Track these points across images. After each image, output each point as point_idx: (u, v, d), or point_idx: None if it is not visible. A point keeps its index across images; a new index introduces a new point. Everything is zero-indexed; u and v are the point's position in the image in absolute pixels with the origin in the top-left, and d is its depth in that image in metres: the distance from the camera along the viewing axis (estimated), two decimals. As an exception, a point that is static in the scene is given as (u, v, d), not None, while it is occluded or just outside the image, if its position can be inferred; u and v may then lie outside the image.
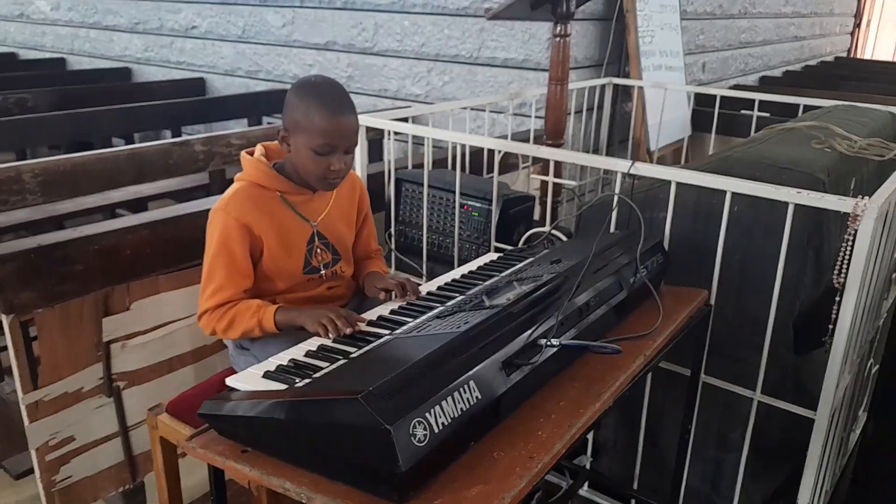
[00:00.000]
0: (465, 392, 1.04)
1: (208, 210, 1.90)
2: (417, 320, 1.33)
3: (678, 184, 1.67)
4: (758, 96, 3.24)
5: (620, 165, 1.73)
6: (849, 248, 1.42)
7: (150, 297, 1.83)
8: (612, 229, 1.80)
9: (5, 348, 2.54)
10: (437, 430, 0.97)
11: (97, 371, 1.79)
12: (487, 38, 3.41)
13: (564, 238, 1.89)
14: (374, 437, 0.92)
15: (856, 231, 1.38)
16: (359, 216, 1.67)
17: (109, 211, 3.30)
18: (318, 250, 1.55)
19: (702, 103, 3.75)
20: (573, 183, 2.17)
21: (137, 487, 1.93)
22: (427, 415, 0.97)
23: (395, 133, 2.20)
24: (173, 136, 4.16)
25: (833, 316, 1.50)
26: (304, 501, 1.00)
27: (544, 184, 2.46)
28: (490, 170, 2.69)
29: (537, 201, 2.41)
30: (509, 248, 1.96)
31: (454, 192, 2.14)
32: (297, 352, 1.26)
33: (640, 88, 3.44)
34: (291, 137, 1.44)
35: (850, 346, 1.55)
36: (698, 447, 1.83)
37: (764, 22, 5.43)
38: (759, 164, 1.76)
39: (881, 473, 2.33)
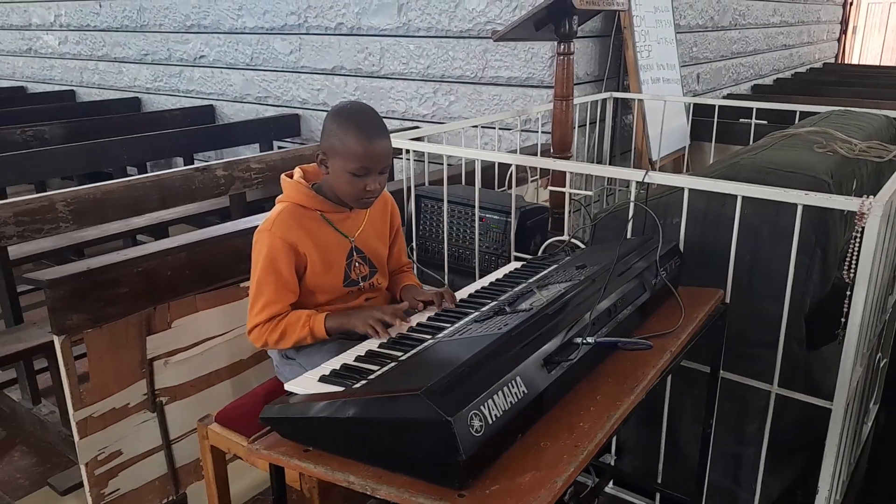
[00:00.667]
0: (512, 387, 1.12)
1: (240, 232, 2.01)
2: (456, 325, 1.41)
3: (689, 190, 1.77)
4: (755, 105, 3.36)
5: (635, 175, 1.82)
6: (857, 245, 1.51)
7: (188, 316, 1.92)
8: (627, 236, 1.89)
9: (41, 371, 2.63)
10: (490, 422, 1.05)
11: (141, 387, 1.87)
12: (491, 58, 3.53)
13: (582, 246, 1.98)
14: (436, 429, 1.00)
15: (863, 228, 1.47)
16: (391, 231, 1.77)
17: (131, 237, 3.39)
18: (357, 264, 1.64)
19: (699, 113, 3.87)
20: (590, 193, 2.26)
21: (180, 499, 2.00)
22: (482, 408, 1.05)
23: (412, 151, 2.29)
24: (185, 164, 4.26)
25: (844, 310, 1.59)
26: (368, 493, 1.08)
27: (554, 195, 2.56)
28: (501, 184, 2.80)
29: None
30: (529, 257, 2.05)
31: (472, 206, 2.23)
32: (348, 357, 1.35)
33: (640, 101, 3.56)
34: (329, 161, 1.54)
35: (861, 339, 1.64)
36: (717, 442, 1.91)
37: (754, 32, 5.58)
38: (765, 169, 1.85)
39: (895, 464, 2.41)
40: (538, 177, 2.99)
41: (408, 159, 2.34)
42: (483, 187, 2.62)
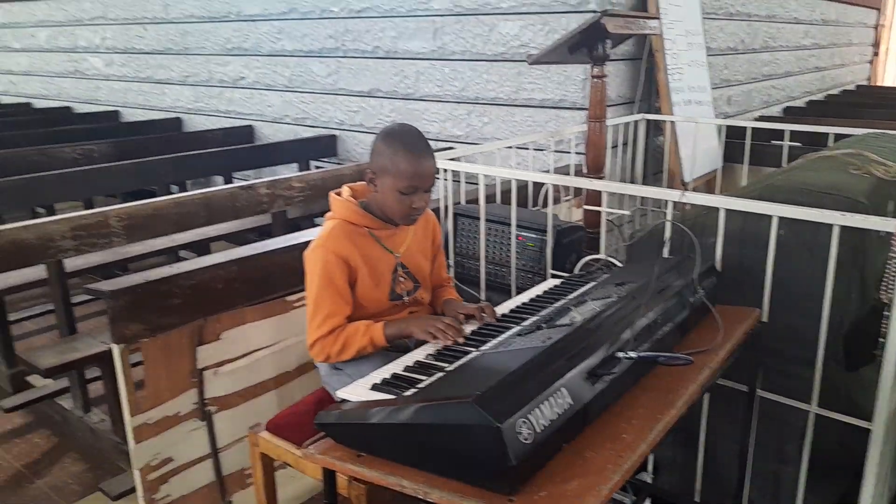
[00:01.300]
0: (558, 398, 1.17)
1: (287, 248, 2.09)
2: (499, 338, 1.47)
3: (725, 210, 1.80)
4: (788, 127, 3.37)
5: (671, 195, 1.87)
6: (894, 266, 1.53)
7: (237, 328, 1.99)
8: (665, 255, 1.93)
9: (94, 380, 2.73)
10: (538, 431, 1.10)
11: (192, 396, 1.95)
12: (524, 80, 3.60)
13: (619, 264, 2.03)
14: (487, 436, 1.05)
15: (900, 249, 1.50)
16: (433, 247, 1.83)
17: (174, 253, 3.51)
18: (401, 279, 1.71)
19: (731, 135, 3.89)
20: (626, 212, 2.31)
21: (226, 507, 2.07)
22: (529, 416, 1.10)
23: (450, 171, 2.36)
24: (225, 182, 4.40)
25: (882, 330, 1.61)
26: (420, 497, 1.13)
27: (588, 215, 2.61)
28: (534, 203, 2.86)
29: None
30: (566, 274, 2.10)
31: (509, 224, 2.29)
32: (396, 367, 1.41)
33: (672, 123, 3.60)
34: (378, 179, 1.61)
35: (899, 359, 1.65)
36: (755, 461, 1.92)
37: (785, 54, 5.60)
38: (801, 190, 1.88)
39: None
40: (571, 196, 3.04)
41: (445, 179, 2.41)
42: (518, 206, 2.69)
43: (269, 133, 4.90)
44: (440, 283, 1.87)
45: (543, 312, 1.58)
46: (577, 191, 3.01)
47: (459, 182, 2.65)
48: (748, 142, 3.43)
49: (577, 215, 3.13)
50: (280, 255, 2.07)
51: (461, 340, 1.47)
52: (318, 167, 4.40)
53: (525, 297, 1.78)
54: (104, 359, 2.42)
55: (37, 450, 2.62)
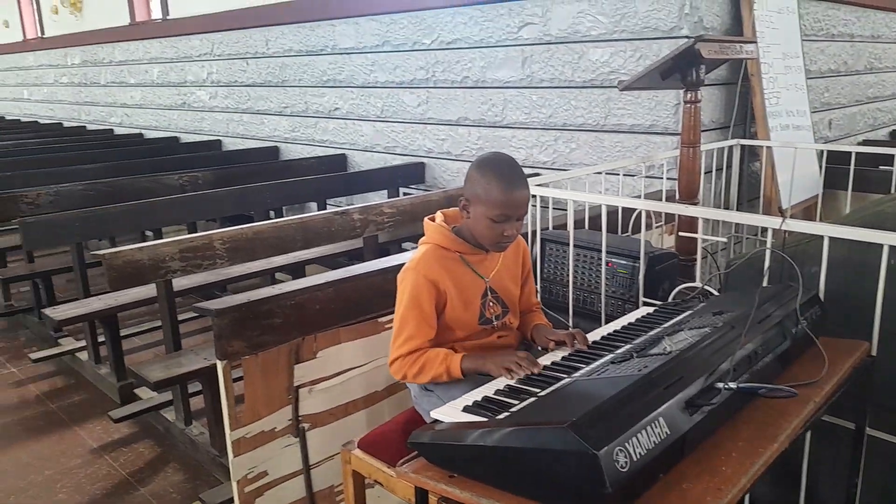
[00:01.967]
0: (655, 427, 1.15)
1: (380, 270, 2.16)
2: (592, 365, 1.45)
3: (829, 238, 1.73)
4: (896, 151, 3.20)
5: (771, 222, 1.81)
6: None
7: (332, 347, 2.06)
8: (764, 284, 1.87)
9: (195, 394, 2.88)
10: (635, 459, 1.08)
11: (287, 413, 2.02)
12: (614, 106, 3.59)
13: (715, 293, 1.97)
14: (583, 462, 1.05)
15: None
16: (522, 273, 1.84)
17: (270, 275, 3.67)
18: (490, 304, 1.73)
19: (833, 160, 3.72)
20: (723, 239, 2.25)
21: (316, 523, 2.12)
22: (626, 444, 1.09)
23: (539, 197, 2.37)
24: (319, 208, 4.57)
25: None
26: (512, 520, 1.13)
27: (681, 242, 2.55)
28: (624, 229, 2.82)
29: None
30: (659, 302, 2.06)
31: (598, 250, 2.27)
32: (488, 390, 1.42)
33: (769, 148, 3.48)
34: (471, 206, 1.64)
35: None
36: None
37: (892, 76, 5.31)
38: (915, 219, 1.79)
39: None
40: (663, 222, 2.98)
41: (533, 205, 2.42)
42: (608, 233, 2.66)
43: (361, 161, 5.06)
44: (529, 308, 1.88)
45: (637, 341, 1.56)
46: (669, 217, 2.95)
47: (547, 207, 2.66)
48: (852, 167, 3.27)
49: (668, 242, 3.06)
50: (373, 277, 2.14)
51: (537, 371, 1.47)
52: (406, 194, 4.51)
53: (617, 324, 1.76)
54: (206, 374, 2.56)
55: (141, 459, 2.78)
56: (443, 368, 1.60)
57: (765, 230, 1.85)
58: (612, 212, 2.70)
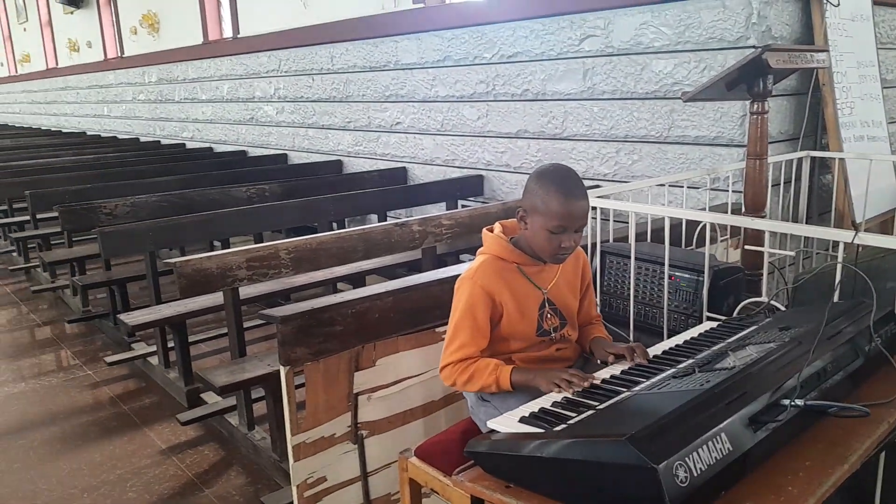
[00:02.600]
0: (716, 443, 1.12)
1: (437, 281, 2.18)
2: (652, 380, 1.43)
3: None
4: (983, 163, 3.03)
5: (843, 236, 1.75)
6: None
7: (391, 355, 2.09)
8: (834, 299, 1.80)
9: (257, 400, 2.96)
10: (695, 475, 1.06)
11: (346, 420, 2.06)
12: (677, 117, 3.53)
13: (782, 308, 1.91)
14: (642, 476, 1.03)
15: None
16: (582, 285, 1.83)
17: (332, 284, 3.74)
18: (548, 315, 1.72)
19: (913, 173, 3.55)
20: (791, 253, 2.18)
21: (373, 530, 2.15)
22: (686, 459, 1.07)
23: (599, 209, 2.35)
24: (380, 220, 4.65)
25: None
26: (569, 532, 1.13)
27: (746, 256, 2.48)
28: (687, 242, 2.76)
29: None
30: (723, 317, 2.01)
31: (661, 264, 2.23)
32: (545, 402, 1.42)
33: (841, 160, 3.35)
34: (529, 217, 1.65)
35: None
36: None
37: (979, 84, 5.04)
38: None
39: None
40: (728, 236, 2.91)
41: (594, 217, 2.40)
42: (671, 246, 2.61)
43: (421, 174, 5.13)
44: (589, 320, 1.87)
45: (700, 355, 1.53)
46: (734, 231, 2.87)
47: (608, 220, 2.63)
48: (933, 180, 3.11)
49: (733, 256, 2.98)
50: (431, 288, 2.16)
51: (586, 384, 1.46)
52: (464, 206, 4.53)
53: (680, 338, 1.73)
54: (269, 380, 2.63)
55: (206, 461, 2.87)
56: (492, 379, 1.61)
57: (836, 244, 1.78)
58: (675, 225, 2.64)
